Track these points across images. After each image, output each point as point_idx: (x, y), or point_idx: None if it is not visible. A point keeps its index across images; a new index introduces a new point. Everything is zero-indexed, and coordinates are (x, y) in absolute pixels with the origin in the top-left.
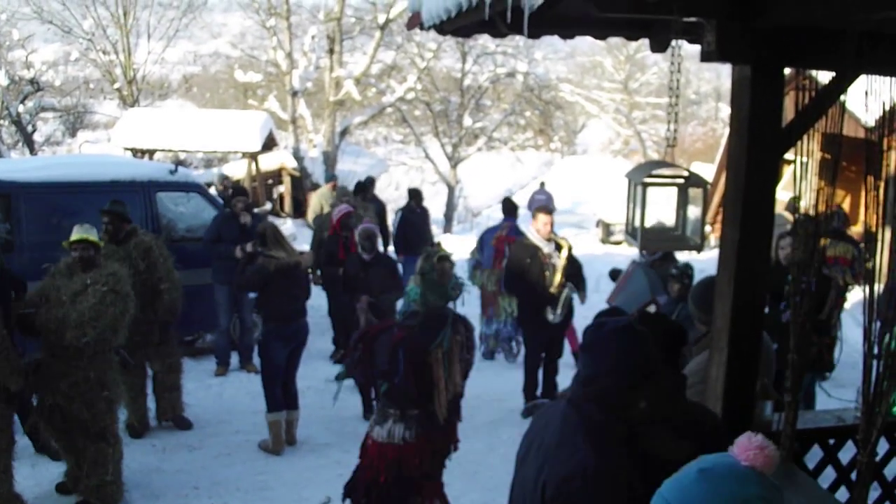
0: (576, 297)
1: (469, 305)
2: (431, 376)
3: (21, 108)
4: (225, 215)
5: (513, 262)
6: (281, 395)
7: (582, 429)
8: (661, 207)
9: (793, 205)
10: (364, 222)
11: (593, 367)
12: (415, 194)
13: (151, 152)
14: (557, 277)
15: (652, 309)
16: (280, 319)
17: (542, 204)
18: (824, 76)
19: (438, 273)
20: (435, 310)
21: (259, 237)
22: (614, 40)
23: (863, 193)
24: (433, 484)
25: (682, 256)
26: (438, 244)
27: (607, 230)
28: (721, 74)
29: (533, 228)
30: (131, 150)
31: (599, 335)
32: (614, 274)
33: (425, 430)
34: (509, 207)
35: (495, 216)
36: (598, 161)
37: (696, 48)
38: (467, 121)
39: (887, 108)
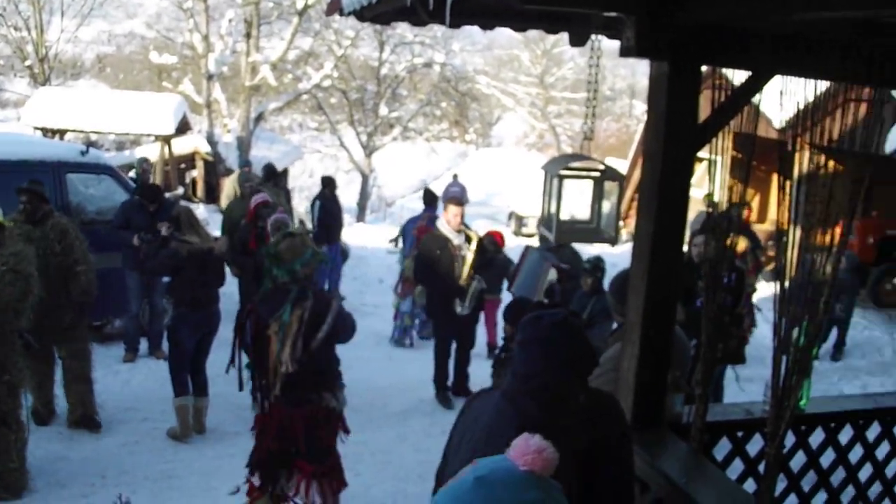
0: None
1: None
2: (267, 347)
3: None
4: (133, 202)
5: (423, 253)
6: (188, 380)
7: (516, 423)
8: (577, 200)
9: (709, 201)
10: (278, 212)
11: (532, 362)
12: (328, 182)
13: (62, 132)
14: (466, 269)
15: (553, 274)
16: (190, 305)
17: (454, 195)
18: (738, 76)
19: (285, 249)
20: (281, 285)
21: (173, 221)
22: (532, 34)
23: (772, 192)
24: (324, 467)
25: (594, 249)
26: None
27: (520, 222)
28: (636, 72)
29: (444, 220)
30: (41, 129)
31: (537, 330)
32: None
33: (277, 403)
34: (430, 198)
35: (409, 206)
36: (513, 154)
37: (613, 44)
38: (383, 110)
39: (799, 108)
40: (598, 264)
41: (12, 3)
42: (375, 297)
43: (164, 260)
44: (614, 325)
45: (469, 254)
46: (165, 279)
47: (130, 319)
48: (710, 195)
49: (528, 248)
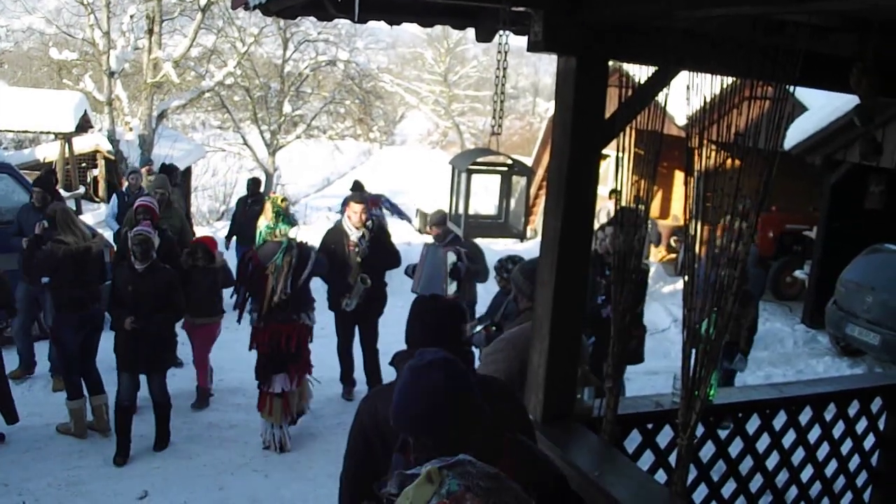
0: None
1: None
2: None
3: None
4: (25, 206)
5: (322, 246)
6: (80, 382)
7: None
8: (484, 195)
9: (615, 197)
10: (141, 224)
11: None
12: (254, 184)
13: None
14: (356, 267)
15: (453, 256)
16: (71, 306)
17: (356, 194)
18: (640, 72)
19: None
20: (272, 240)
21: (48, 220)
22: (436, 32)
23: (675, 187)
24: (297, 364)
25: (502, 245)
26: (277, 196)
27: (425, 220)
28: (539, 70)
29: (346, 215)
30: None
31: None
32: (413, 270)
33: (268, 320)
34: (358, 187)
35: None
36: (417, 152)
37: (517, 42)
38: (287, 108)
39: (699, 107)
40: (513, 261)
41: None
42: None
43: (40, 262)
44: None
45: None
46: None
47: (19, 332)
48: (615, 190)
49: (425, 246)
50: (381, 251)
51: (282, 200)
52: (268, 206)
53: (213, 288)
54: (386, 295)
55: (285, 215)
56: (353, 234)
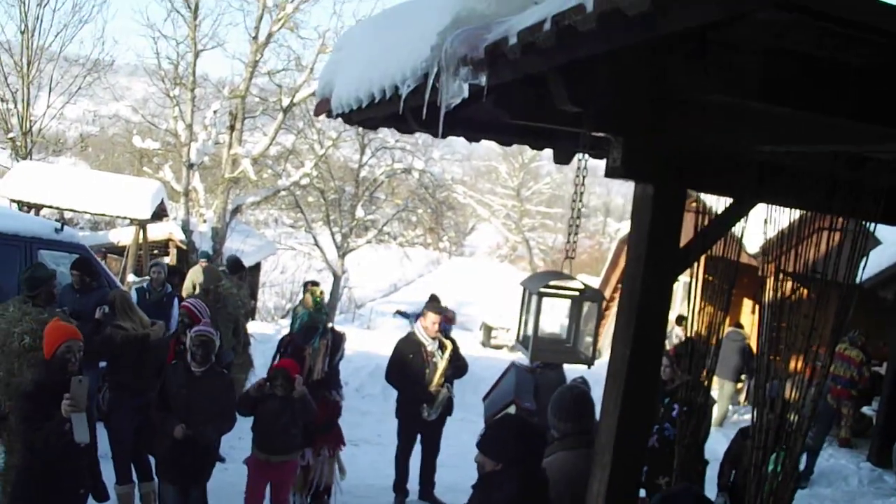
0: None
1: None
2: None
3: None
4: (66, 288)
5: (396, 355)
6: (131, 467)
7: None
8: (555, 318)
9: (684, 324)
10: (202, 323)
11: None
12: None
13: (39, 207)
14: (437, 376)
15: (512, 410)
16: (126, 390)
17: (434, 305)
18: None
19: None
20: (309, 325)
21: (108, 305)
22: (511, 148)
23: (742, 315)
24: (327, 437)
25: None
26: (316, 289)
27: (489, 333)
28: (611, 191)
29: (421, 325)
30: (18, 202)
31: None
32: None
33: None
34: (434, 299)
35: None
36: (485, 264)
37: (592, 161)
38: (359, 212)
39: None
40: (584, 384)
41: (1, 75)
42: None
43: (99, 346)
44: None
45: (441, 361)
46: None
47: None
48: (682, 317)
49: (512, 365)
50: (455, 362)
51: (320, 293)
52: (308, 297)
53: (292, 421)
54: (453, 405)
55: (322, 305)
56: (430, 344)
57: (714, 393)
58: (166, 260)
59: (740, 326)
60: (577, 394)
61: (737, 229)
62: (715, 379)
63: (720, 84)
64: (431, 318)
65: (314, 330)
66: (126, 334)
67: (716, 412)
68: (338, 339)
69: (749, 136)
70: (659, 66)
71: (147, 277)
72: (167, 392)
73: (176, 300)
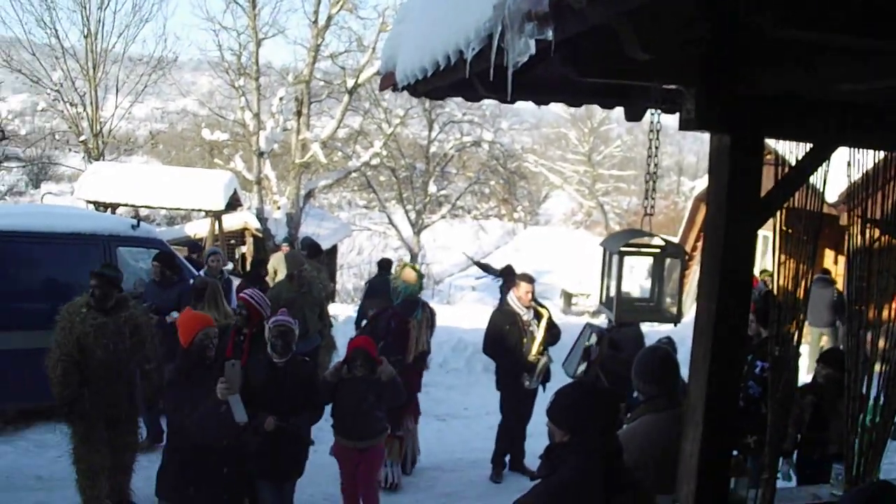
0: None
1: None
2: (408, 337)
3: None
4: (150, 282)
5: (492, 327)
6: None
7: None
8: (637, 277)
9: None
10: (279, 313)
11: None
12: (385, 265)
13: (114, 206)
14: (536, 345)
15: (594, 339)
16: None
17: (525, 273)
18: (791, 151)
19: (414, 276)
20: (410, 299)
21: (195, 293)
22: (579, 113)
23: (832, 267)
24: (410, 407)
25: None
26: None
27: (569, 300)
28: (683, 149)
29: (514, 296)
30: (94, 203)
31: None
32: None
33: (400, 372)
34: (509, 271)
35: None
36: (561, 232)
37: (663, 121)
38: (432, 188)
39: (857, 182)
40: (670, 345)
41: (69, 80)
42: (424, 375)
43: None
44: None
45: (538, 329)
46: None
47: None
48: (766, 271)
49: (586, 326)
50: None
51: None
52: (409, 271)
53: (376, 404)
54: (550, 373)
55: (423, 277)
56: (525, 314)
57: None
58: (243, 249)
59: (827, 273)
60: (660, 355)
61: (817, 179)
62: (806, 328)
63: (803, 19)
64: (524, 288)
65: (415, 303)
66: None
67: (807, 362)
68: (433, 313)
69: (829, 73)
70: (732, 4)
71: (226, 267)
72: (251, 388)
73: (233, 287)
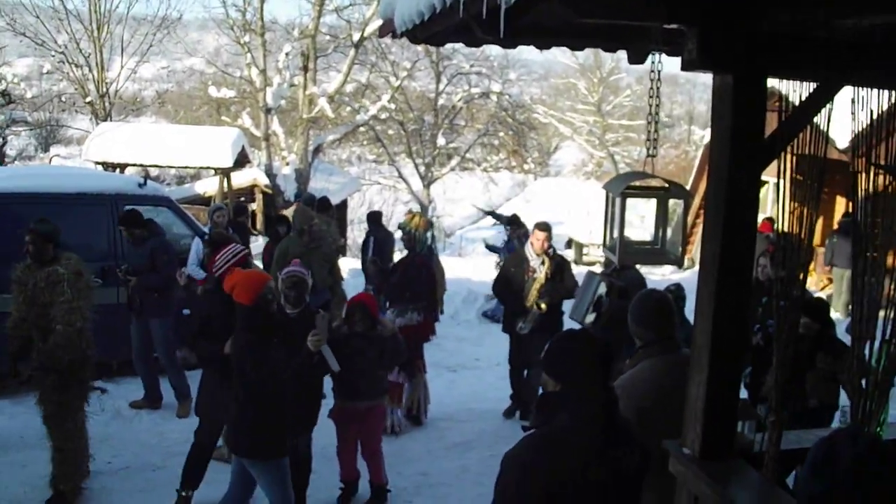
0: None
1: None
2: (435, 282)
3: None
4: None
5: (503, 269)
6: None
7: None
8: (640, 220)
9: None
10: (292, 264)
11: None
12: (375, 217)
13: (123, 167)
14: (532, 291)
15: (603, 288)
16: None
17: (542, 221)
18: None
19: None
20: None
21: (217, 246)
22: (588, 62)
23: (835, 214)
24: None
25: (659, 272)
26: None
27: (580, 250)
28: (693, 98)
29: (529, 242)
30: (102, 164)
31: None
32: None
33: (424, 316)
34: (515, 220)
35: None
36: (572, 183)
37: (670, 70)
38: (441, 141)
39: (865, 126)
40: (678, 293)
41: (74, 42)
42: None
43: (207, 292)
44: None
45: (539, 277)
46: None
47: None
48: (771, 218)
49: (588, 273)
50: (559, 280)
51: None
52: (420, 219)
53: (377, 361)
54: (562, 325)
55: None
56: (534, 261)
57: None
58: (252, 206)
59: (849, 215)
60: (656, 298)
61: (823, 123)
62: (834, 269)
63: None
64: (537, 235)
65: (431, 250)
66: None
67: (836, 301)
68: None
69: (830, 9)
70: None
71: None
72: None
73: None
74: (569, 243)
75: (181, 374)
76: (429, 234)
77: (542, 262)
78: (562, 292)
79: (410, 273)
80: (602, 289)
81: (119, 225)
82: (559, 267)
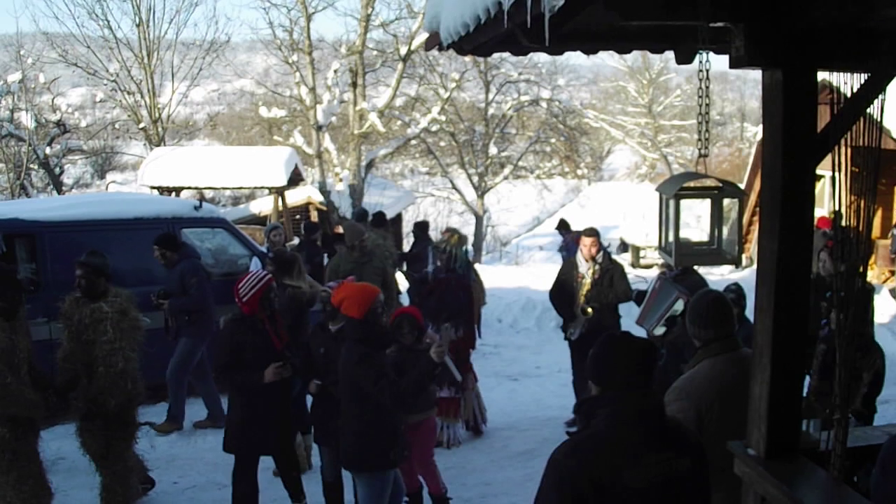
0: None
1: None
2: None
3: (48, 151)
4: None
5: (557, 276)
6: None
7: None
8: (696, 221)
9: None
10: (347, 280)
11: None
12: (422, 226)
13: (178, 190)
14: (581, 298)
15: (680, 305)
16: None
17: (588, 227)
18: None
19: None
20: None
21: (282, 264)
22: (637, 64)
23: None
24: (466, 367)
25: (716, 272)
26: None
27: (637, 254)
28: (744, 94)
29: (579, 248)
30: (157, 188)
31: None
32: (639, 297)
33: (465, 331)
34: (563, 225)
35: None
36: (626, 186)
37: (719, 67)
38: (493, 150)
39: None
40: (740, 292)
41: (125, 70)
42: (495, 336)
43: (283, 306)
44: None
45: (585, 284)
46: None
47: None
48: (835, 212)
49: (660, 278)
50: (607, 285)
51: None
52: (456, 236)
53: (427, 373)
54: (618, 328)
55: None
56: (582, 266)
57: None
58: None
59: None
60: (713, 298)
61: (877, 113)
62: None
63: None
64: (584, 241)
65: (469, 265)
66: (302, 293)
67: None
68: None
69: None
70: None
71: (292, 242)
72: (313, 355)
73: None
74: (622, 246)
75: (214, 396)
76: (465, 249)
77: (590, 268)
78: (610, 297)
79: (447, 298)
80: (679, 306)
81: (153, 244)
82: (608, 272)
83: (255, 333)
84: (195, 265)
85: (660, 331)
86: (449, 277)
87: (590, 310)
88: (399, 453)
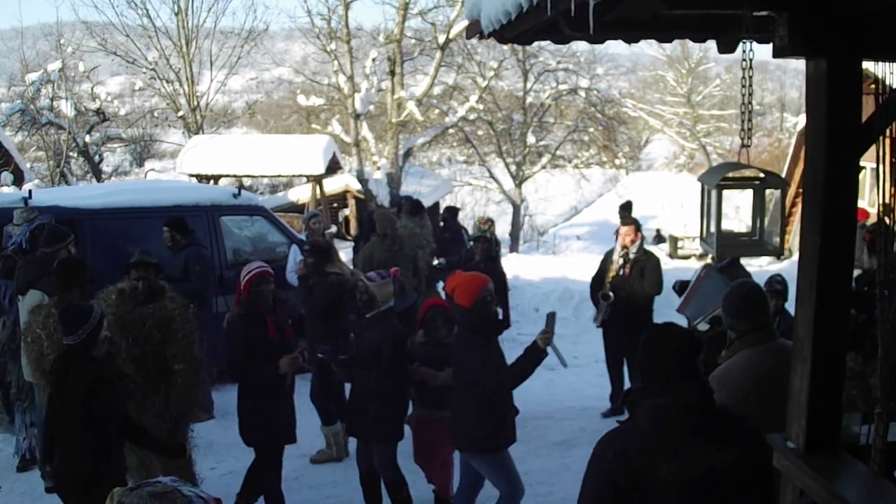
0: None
1: None
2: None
3: (88, 139)
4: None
5: (600, 265)
6: (332, 407)
7: None
8: (736, 211)
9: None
10: (390, 273)
11: None
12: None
13: (216, 178)
14: (606, 285)
15: (718, 312)
16: (321, 335)
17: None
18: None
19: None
20: None
21: (322, 252)
22: (675, 54)
23: None
24: None
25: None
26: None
27: (675, 244)
28: (784, 84)
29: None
30: (196, 176)
31: None
32: (681, 287)
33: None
34: (626, 206)
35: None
36: (664, 176)
37: (761, 57)
38: (531, 139)
39: None
40: (785, 284)
41: (164, 58)
42: (531, 326)
43: (325, 292)
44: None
45: (611, 272)
46: None
47: None
48: (884, 205)
49: (706, 268)
50: (639, 276)
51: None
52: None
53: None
54: (648, 319)
55: None
56: (616, 254)
57: None
58: (346, 211)
59: None
60: (747, 289)
61: None
62: None
63: None
64: (621, 231)
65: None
66: (346, 280)
67: None
68: None
69: None
70: None
71: (330, 230)
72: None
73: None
74: (658, 237)
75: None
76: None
77: (621, 256)
78: (636, 288)
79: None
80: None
81: (164, 225)
82: (638, 263)
83: (258, 326)
84: (201, 253)
85: (703, 327)
86: (490, 265)
87: (610, 294)
88: (509, 435)
